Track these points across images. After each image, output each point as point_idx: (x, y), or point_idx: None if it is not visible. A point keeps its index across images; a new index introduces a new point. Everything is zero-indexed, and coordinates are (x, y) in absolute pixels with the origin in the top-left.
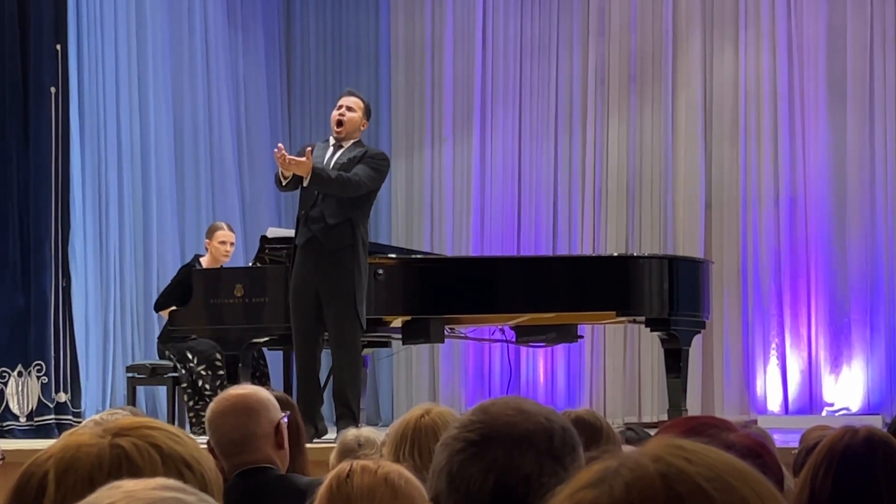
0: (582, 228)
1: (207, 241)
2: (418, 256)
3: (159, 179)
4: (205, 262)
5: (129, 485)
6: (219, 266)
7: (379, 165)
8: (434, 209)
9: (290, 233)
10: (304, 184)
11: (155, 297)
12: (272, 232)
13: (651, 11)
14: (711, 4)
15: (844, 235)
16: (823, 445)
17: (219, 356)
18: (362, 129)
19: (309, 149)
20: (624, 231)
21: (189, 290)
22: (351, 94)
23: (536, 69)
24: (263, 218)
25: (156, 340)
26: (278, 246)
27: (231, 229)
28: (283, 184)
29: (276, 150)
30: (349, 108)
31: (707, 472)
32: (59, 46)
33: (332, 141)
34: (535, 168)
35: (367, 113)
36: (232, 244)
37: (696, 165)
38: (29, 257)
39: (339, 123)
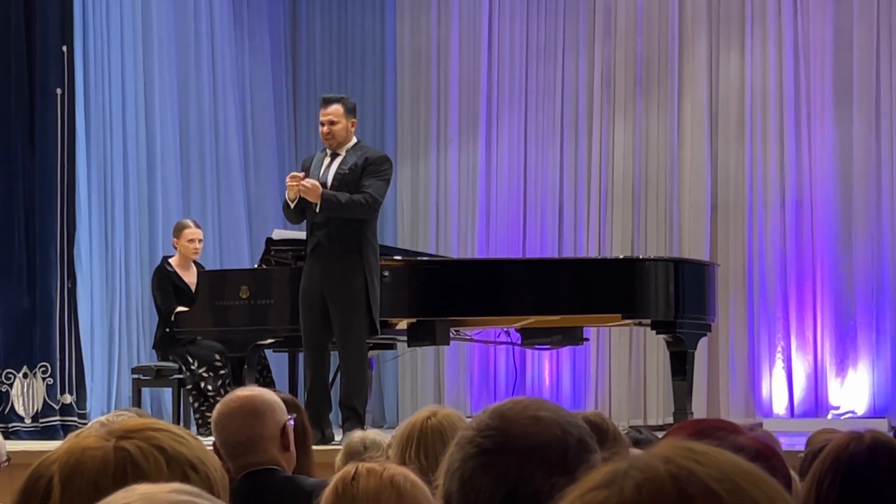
0: (587, 231)
1: (175, 240)
2: (424, 259)
3: (165, 181)
4: (174, 262)
5: (144, 488)
6: (189, 264)
7: (384, 173)
8: (440, 211)
9: (296, 235)
10: (316, 210)
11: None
12: (278, 234)
13: (657, 14)
14: (717, 7)
15: (850, 239)
16: (829, 453)
17: (217, 356)
18: (352, 128)
19: (303, 173)
20: (629, 233)
21: (174, 288)
22: (328, 102)
23: (542, 72)
24: (269, 220)
25: (152, 349)
26: (284, 248)
27: (198, 226)
28: (291, 206)
29: (289, 178)
30: (331, 122)
31: (717, 474)
32: (65, 48)
33: (328, 151)
34: (540, 170)
35: (351, 112)
36: (200, 241)
37: (702, 168)
38: (34, 259)
39: (329, 138)
